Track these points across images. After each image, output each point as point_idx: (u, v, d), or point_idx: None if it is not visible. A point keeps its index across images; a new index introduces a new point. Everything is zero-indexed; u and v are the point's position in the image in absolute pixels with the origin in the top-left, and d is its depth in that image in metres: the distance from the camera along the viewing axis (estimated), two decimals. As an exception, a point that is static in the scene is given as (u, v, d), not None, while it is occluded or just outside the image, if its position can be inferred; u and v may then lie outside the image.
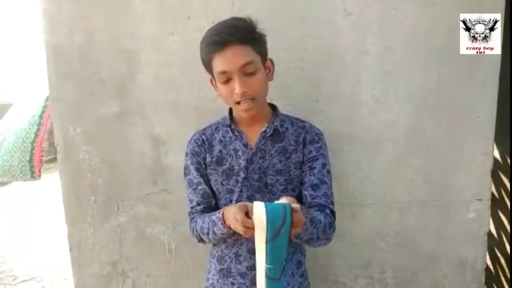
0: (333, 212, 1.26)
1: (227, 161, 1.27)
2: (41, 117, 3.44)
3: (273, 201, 1.22)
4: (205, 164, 1.30)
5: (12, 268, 3.81)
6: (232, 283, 1.29)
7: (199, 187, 1.31)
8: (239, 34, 1.14)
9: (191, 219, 1.33)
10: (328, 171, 1.29)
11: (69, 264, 1.83)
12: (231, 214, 1.08)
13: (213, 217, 1.20)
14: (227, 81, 1.17)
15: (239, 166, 1.25)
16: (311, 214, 1.13)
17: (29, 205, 5.74)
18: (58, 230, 4.36)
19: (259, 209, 0.95)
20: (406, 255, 1.71)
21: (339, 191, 1.63)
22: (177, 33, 1.59)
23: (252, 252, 1.25)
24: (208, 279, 1.37)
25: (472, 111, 1.56)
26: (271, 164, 1.25)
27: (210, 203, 1.32)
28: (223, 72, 1.16)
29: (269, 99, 1.33)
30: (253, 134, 1.27)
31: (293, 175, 1.26)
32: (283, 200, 1.00)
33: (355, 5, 1.54)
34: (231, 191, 1.27)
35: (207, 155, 1.29)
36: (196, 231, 1.28)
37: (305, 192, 1.26)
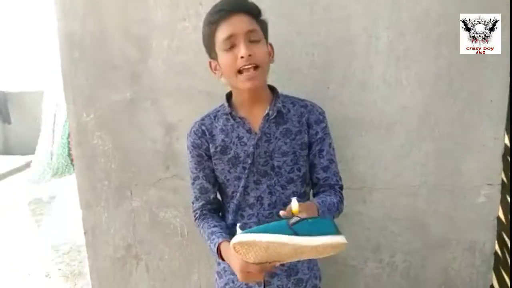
0: (341, 187, 1.31)
1: (231, 149, 1.26)
2: None
3: (281, 183, 1.26)
4: (208, 155, 1.29)
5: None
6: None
7: (197, 182, 1.32)
8: (246, 6, 1.16)
9: (195, 219, 1.35)
10: (334, 149, 1.32)
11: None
12: (232, 262, 1.13)
13: (210, 244, 1.23)
14: (231, 47, 1.15)
15: (245, 153, 1.25)
16: (326, 202, 1.17)
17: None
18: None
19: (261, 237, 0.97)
20: (416, 239, 1.73)
21: (350, 176, 1.64)
22: (189, 18, 1.59)
23: None
24: (219, 264, 1.38)
25: (484, 95, 1.56)
26: (277, 146, 1.25)
27: (208, 198, 1.33)
28: (228, 37, 1.14)
29: (281, 85, 1.33)
30: (255, 118, 1.26)
31: (298, 155, 1.27)
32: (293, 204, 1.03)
33: (367, -11, 1.53)
34: (238, 178, 1.28)
35: (210, 145, 1.28)
36: (201, 235, 1.32)
37: (317, 175, 1.29)
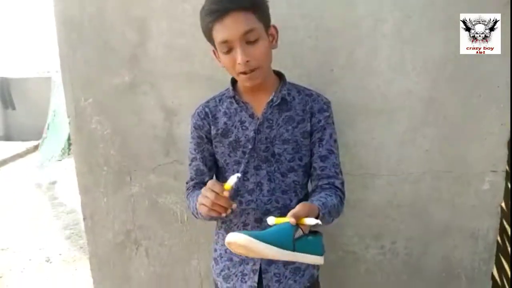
0: (342, 183, 1.27)
1: (232, 133, 1.25)
2: None
3: (281, 170, 1.24)
4: (209, 138, 1.28)
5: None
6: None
7: (193, 163, 1.32)
8: (240, 1, 1.07)
9: (186, 196, 1.34)
10: (335, 141, 1.28)
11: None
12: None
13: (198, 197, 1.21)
14: (229, 51, 1.11)
15: (245, 137, 1.23)
16: (327, 205, 1.13)
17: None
18: (69, 201, 4.42)
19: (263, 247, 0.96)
20: (418, 226, 1.71)
21: (352, 162, 1.63)
22: (189, 0, 1.55)
23: (259, 221, 1.26)
24: (216, 250, 1.37)
25: (491, 80, 1.53)
26: (278, 133, 1.23)
27: (203, 180, 1.32)
28: (224, 42, 1.10)
29: (283, 69, 1.30)
30: (259, 104, 1.24)
31: (300, 144, 1.24)
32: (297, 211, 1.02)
33: (373, -29, 1.49)
34: (238, 163, 1.26)
35: (212, 127, 1.27)
36: (191, 209, 1.30)
37: (314, 164, 1.26)
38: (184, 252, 1.82)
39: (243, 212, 1.27)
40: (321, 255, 1.02)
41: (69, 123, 1.75)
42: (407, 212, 1.70)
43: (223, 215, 1.10)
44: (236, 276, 1.30)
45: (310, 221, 0.99)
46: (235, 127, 1.25)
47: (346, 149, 1.59)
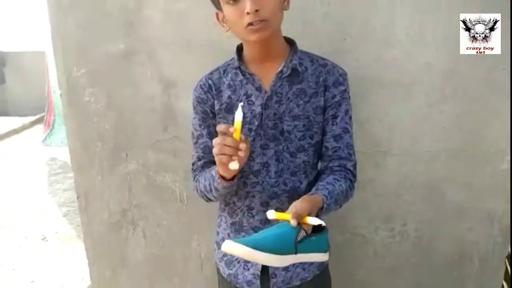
0: (354, 165, 1.17)
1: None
2: None
3: (290, 150, 1.13)
4: (214, 113, 1.17)
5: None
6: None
7: (200, 141, 1.19)
8: None
9: (194, 178, 1.22)
10: (350, 118, 1.17)
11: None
12: None
13: (213, 172, 1.09)
14: (236, 0, 1.00)
15: (252, 113, 1.12)
16: (333, 193, 1.05)
17: (36, 153, 5.71)
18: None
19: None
20: (430, 208, 1.63)
21: (363, 139, 1.52)
22: (189, -40, 1.42)
23: (265, 205, 1.16)
24: (218, 234, 1.29)
25: (515, 53, 1.41)
26: (288, 108, 1.11)
27: (213, 159, 1.20)
28: None
29: (292, 37, 1.18)
30: (267, 75, 1.12)
31: (312, 121, 1.13)
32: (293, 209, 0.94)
33: None
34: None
35: (215, 101, 1.15)
36: (201, 191, 1.18)
37: (326, 144, 1.15)
38: (183, 233, 1.74)
39: (248, 195, 1.17)
40: (326, 251, 0.97)
41: (61, 95, 1.63)
42: (420, 193, 1.61)
43: (234, 160, 0.95)
44: (238, 262, 1.21)
45: (313, 220, 0.91)
46: (241, 102, 1.13)
47: (357, 125, 1.46)
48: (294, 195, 1.14)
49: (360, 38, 1.44)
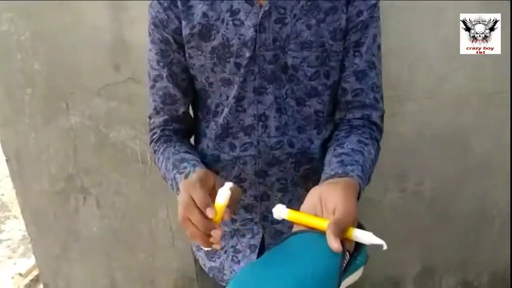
0: (381, 116, 0.83)
1: (218, 31, 0.74)
2: None
3: (297, 95, 0.78)
4: (179, 42, 0.77)
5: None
6: (234, 220, 0.87)
7: (158, 84, 0.81)
8: None
9: (151, 141, 0.86)
10: (379, 46, 0.81)
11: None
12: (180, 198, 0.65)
13: (176, 174, 0.75)
14: None
15: (240, 38, 0.74)
16: (366, 168, 0.70)
17: None
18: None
19: None
20: (451, 163, 1.37)
21: (377, 80, 1.20)
22: None
23: (261, 175, 0.82)
24: None
25: None
26: (294, 32, 0.74)
27: (175, 112, 0.83)
28: None
29: None
30: None
31: (329, 50, 0.76)
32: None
33: None
34: (228, 82, 0.77)
35: (183, 23, 0.75)
36: (159, 169, 0.83)
37: (345, 84, 0.79)
38: (148, 201, 1.40)
39: (237, 162, 0.82)
40: (364, 264, 0.62)
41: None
42: (441, 145, 1.34)
43: (215, 246, 0.64)
44: (225, 252, 0.88)
45: (366, 238, 0.54)
46: (223, 22, 0.74)
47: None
48: (302, 160, 0.81)
49: None
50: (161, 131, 0.85)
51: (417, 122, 1.29)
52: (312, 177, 0.84)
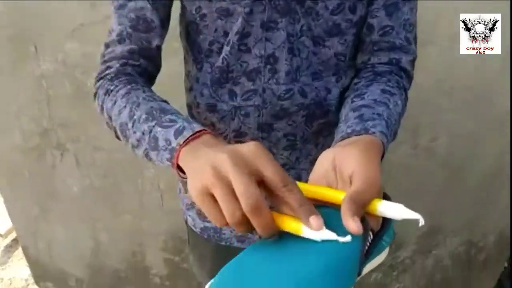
0: (412, 60, 0.69)
1: None
2: None
3: (314, 32, 0.62)
4: None
5: None
6: None
7: (131, 4, 0.61)
8: None
9: (100, 79, 0.65)
10: None
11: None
12: (204, 165, 0.41)
13: (157, 129, 0.52)
14: None
15: None
16: (391, 124, 0.56)
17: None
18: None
19: None
20: (470, 117, 1.25)
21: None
22: None
23: (265, 129, 0.67)
24: None
25: None
26: None
27: (148, 44, 0.63)
28: None
29: None
30: None
31: None
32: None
33: None
34: (226, 14, 0.61)
35: None
36: (108, 116, 0.62)
37: (372, 20, 0.64)
38: (133, 158, 1.25)
39: (237, 113, 0.67)
40: (391, 242, 0.50)
41: None
42: (461, 97, 1.21)
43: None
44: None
45: (394, 211, 0.41)
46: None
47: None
48: (316, 113, 0.67)
49: None
50: (120, 65, 0.64)
51: (436, 71, 1.14)
52: (325, 132, 0.70)
